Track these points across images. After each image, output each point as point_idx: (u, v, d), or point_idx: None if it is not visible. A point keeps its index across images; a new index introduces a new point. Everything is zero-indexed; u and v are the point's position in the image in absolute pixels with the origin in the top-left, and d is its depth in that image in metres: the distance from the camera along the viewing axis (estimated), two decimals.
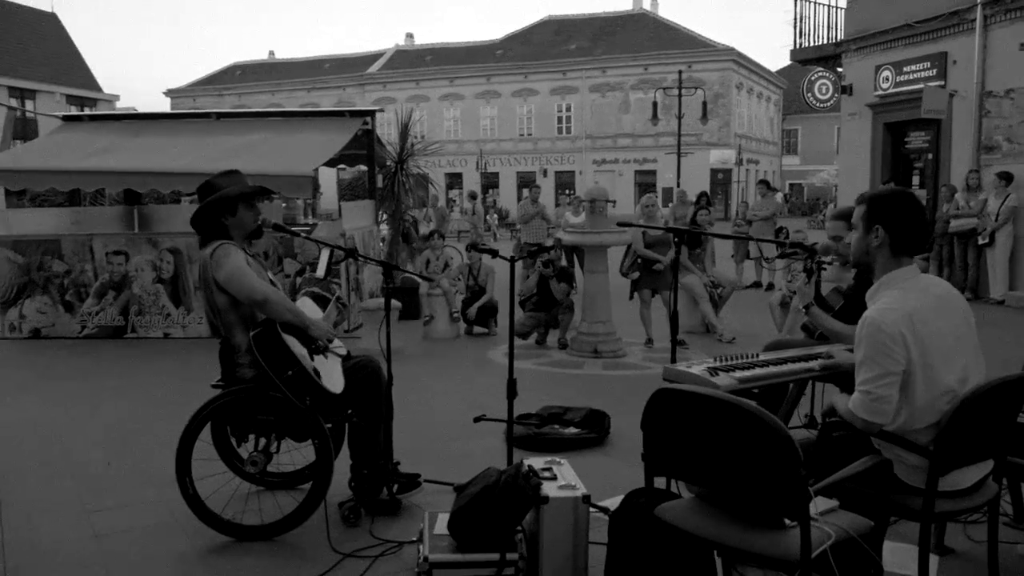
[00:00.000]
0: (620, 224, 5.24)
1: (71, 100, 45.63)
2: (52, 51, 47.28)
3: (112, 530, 3.81)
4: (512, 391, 3.96)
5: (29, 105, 41.89)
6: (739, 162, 43.25)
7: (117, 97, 51.40)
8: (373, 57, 54.57)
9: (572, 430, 5.32)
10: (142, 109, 40.43)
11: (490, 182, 47.97)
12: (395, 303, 9.12)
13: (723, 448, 2.26)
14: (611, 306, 8.48)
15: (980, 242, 11.68)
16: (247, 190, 3.78)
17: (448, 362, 8.19)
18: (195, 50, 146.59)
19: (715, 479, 2.34)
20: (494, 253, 4.35)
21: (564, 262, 10.54)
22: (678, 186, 21.46)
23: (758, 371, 2.96)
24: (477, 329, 9.93)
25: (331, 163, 12.73)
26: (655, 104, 22.61)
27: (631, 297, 9.21)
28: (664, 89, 26.90)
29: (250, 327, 3.57)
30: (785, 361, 3.15)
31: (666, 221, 11.77)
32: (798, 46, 15.91)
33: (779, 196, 23.65)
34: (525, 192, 18.25)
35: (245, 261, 3.63)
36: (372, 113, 11.09)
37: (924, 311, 2.65)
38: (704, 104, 23.94)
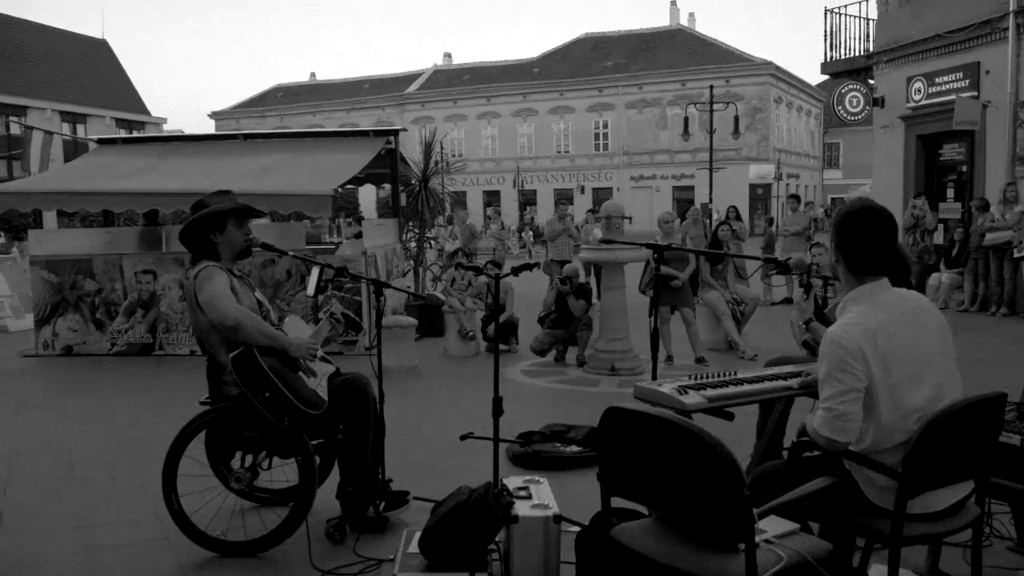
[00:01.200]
0: (603, 241, 5.19)
1: (120, 123, 46.90)
2: (103, 76, 48.73)
3: (103, 544, 3.87)
4: (497, 409, 3.93)
5: (80, 130, 43.27)
6: (778, 177, 42.74)
7: (164, 120, 52.75)
8: (412, 77, 55.23)
9: (573, 448, 5.27)
10: (188, 131, 41.53)
11: (528, 199, 48.08)
12: (410, 320, 9.20)
13: (670, 468, 2.22)
14: (629, 323, 8.41)
15: (1016, 255, 11.36)
16: (236, 207, 3.84)
17: (460, 380, 8.19)
18: (240, 73, 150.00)
19: (664, 500, 2.30)
20: (478, 271, 4.34)
21: (582, 278, 10.49)
22: (710, 202, 21.27)
23: (730, 389, 2.90)
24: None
25: (356, 182, 12.91)
26: (686, 120, 22.47)
27: (650, 314, 9.12)
28: (695, 104, 26.71)
29: (232, 347, 3.61)
30: (761, 379, 3.09)
31: (682, 239, 11.67)
32: (829, 59, 15.73)
33: (816, 210, 23.24)
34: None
35: (228, 284, 3.68)
36: (395, 132, 11.22)
37: (889, 326, 2.58)
38: (736, 119, 23.73)
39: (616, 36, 50.90)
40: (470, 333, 9.66)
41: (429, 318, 10.87)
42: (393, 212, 11.55)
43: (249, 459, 3.82)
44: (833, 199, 54.48)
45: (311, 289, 4.27)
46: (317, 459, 3.74)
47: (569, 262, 12.76)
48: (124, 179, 10.10)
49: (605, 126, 48.03)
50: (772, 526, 2.44)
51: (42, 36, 45.34)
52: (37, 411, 7.00)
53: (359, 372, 4.13)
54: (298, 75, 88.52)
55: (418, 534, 3.31)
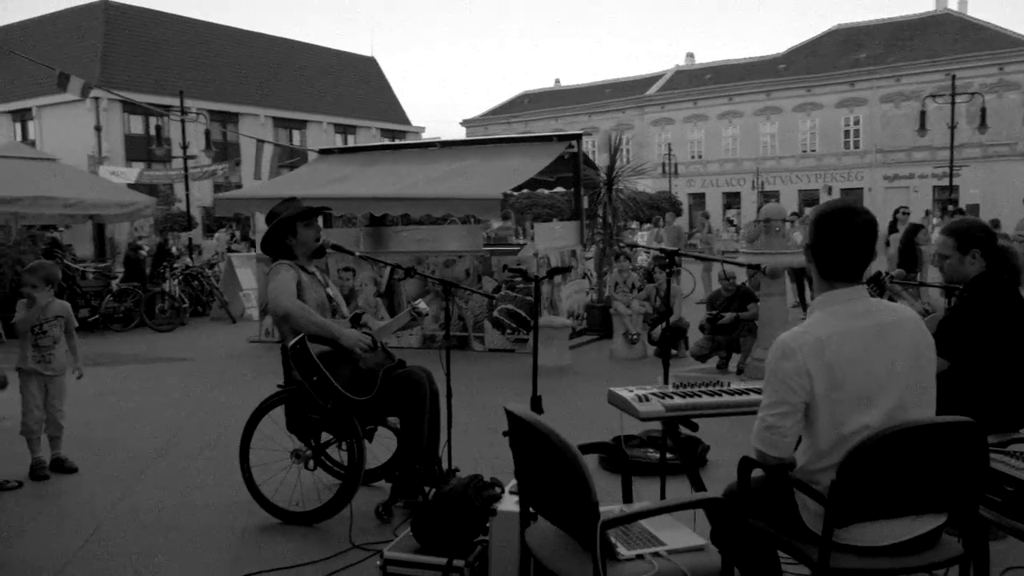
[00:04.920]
0: (629, 245, 5.03)
1: (384, 133, 51.33)
2: (371, 91, 53.58)
3: (195, 503, 4.53)
4: (537, 408, 4.04)
5: (351, 140, 48.02)
6: None
7: (423, 128, 57.03)
8: (653, 79, 54.98)
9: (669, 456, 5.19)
10: (444, 138, 44.52)
11: (772, 201, 46.04)
12: (562, 320, 9.37)
13: (539, 471, 2.26)
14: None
15: None
16: (302, 211, 4.29)
17: (606, 382, 8.21)
18: (492, 82, 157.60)
19: (541, 504, 2.33)
20: (523, 275, 4.45)
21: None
22: (953, 205, 19.10)
23: (690, 400, 2.82)
24: None
25: (548, 186, 13.31)
26: (923, 114, 20.39)
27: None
28: (933, 97, 24.09)
29: (293, 336, 4.04)
30: (744, 392, 2.95)
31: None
32: None
33: None
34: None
35: (295, 279, 4.12)
36: (578, 137, 11.45)
37: (844, 338, 2.38)
38: (983, 110, 21.17)
39: (871, 26, 47.17)
40: (633, 336, 9.65)
41: (607, 321, 10.97)
42: (575, 215, 11.77)
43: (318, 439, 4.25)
44: None
45: (383, 287, 4.61)
46: (367, 443, 4.08)
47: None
48: (330, 185, 11.23)
49: (856, 122, 44.69)
50: (676, 538, 2.39)
51: (320, 56, 50.70)
52: (229, 387, 8.06)
53: (422, 366, 4.41)
54: (544, 82, 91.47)
55: None
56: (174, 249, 15.92)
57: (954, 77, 23.61)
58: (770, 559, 2.63)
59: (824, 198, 44.62)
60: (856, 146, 44.93)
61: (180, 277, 14.22)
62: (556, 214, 27.01)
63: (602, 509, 2.17)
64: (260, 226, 10.91)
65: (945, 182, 41.64)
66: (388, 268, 4.71)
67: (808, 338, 2.39)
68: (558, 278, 10.59)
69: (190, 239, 17.02)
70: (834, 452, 2.35)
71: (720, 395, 2.90)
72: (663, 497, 3.63)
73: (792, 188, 46.51)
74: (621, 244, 4.73)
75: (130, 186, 18.83)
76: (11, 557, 3.87)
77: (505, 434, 4.57)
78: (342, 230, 12.54)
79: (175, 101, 18.63)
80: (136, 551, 3.89)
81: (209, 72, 41.88)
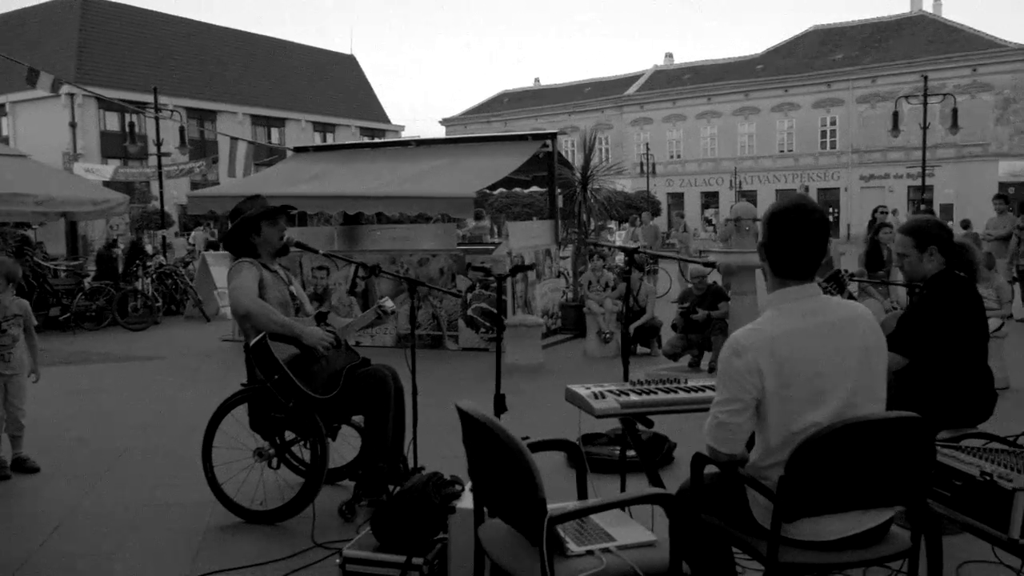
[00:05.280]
0: (594, 244, 5.07)
1: (364, 132, 51.13)
2: (350, 89, 53.37)
3: (162, 501, 4.49)
4: (499, 407, 4.05)
5: (329, 138, 47.81)
6: None
7: (403, 127, 56.94)
8: (632, 78, 55.18)
9: (631, 453, 5.22)
10: (423, 136, 44.54)
11: (748, 201, 46.35)
12: (535, 319, 9.37)
13: (491, 469, 2.26)
14: None
15: None
16: (266, 209, 4.26)
17: (576, 380, 8.24)
18: (471, 81, 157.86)
19: (492, 501, 2.33)
20: (486, 272, 4.46)
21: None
22: (927, 204, 19.34)
23: (646, 397, 2.84)
24: (641, 349, 9.91)
25: (523, 184, 13.31)
26: (895, 115, 20.59)
27: None
28: (906, 98, 24.34)
29: (255, 335, 4.02)
30: (700, 389, 2.97)
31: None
32: None
33: None
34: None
35: (256, 278, 4.10)
36: (553, 136, 11.46)
37: (796, 336, 2.40)
38: (954, 111, 21.40)
39: (848, 27, 47.64)
40: (607, 335, 9.68)
41: (581, 320, 11.00)
42: (549, 214, 11.79)
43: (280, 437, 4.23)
44: None
45: (347, 286, 4.61)
46: (331, 441, 4.07)
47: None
48: (304, 183, 11.17)
49: (833, 123, 45.13)
50: (627, 534, 2.40)
51: (298, 54, 50.42)
52: (200, 386, 8.00)
53: (386, 364, 4.39)
54: (524, 81, 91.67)
55: None
56: (148, 247, 15.79)
57: (926, 78, 23.84)
58: (723, 555, 2.65)
59: None
60: (833, 146, 45.37)
61: (153, 275, 14.09)
62: (536, 213, 27.04)
63: (554, 506, 2.18)
64: None
65: (919, 183, 42.21)
66: (353, 267, 4.67)
67: (759, 336, 2.41)
68: (532, 276, 10.61)
69: (163, 237, 16.86)
70: (784, 448, 2.37)
71: (676, 392, 2.92)
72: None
73: (770, 188, 46.85)
74: (586, 243, 4.77)
75: (105, 183, 18.63)
76: None
77: None
78: (316, 228, 12.48)
79: (149, 98, 18.48)
80: (95, 551, 3.86)
81: (187, 69, 41.55)
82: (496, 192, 13.03)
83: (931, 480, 2.76)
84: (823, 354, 2.41)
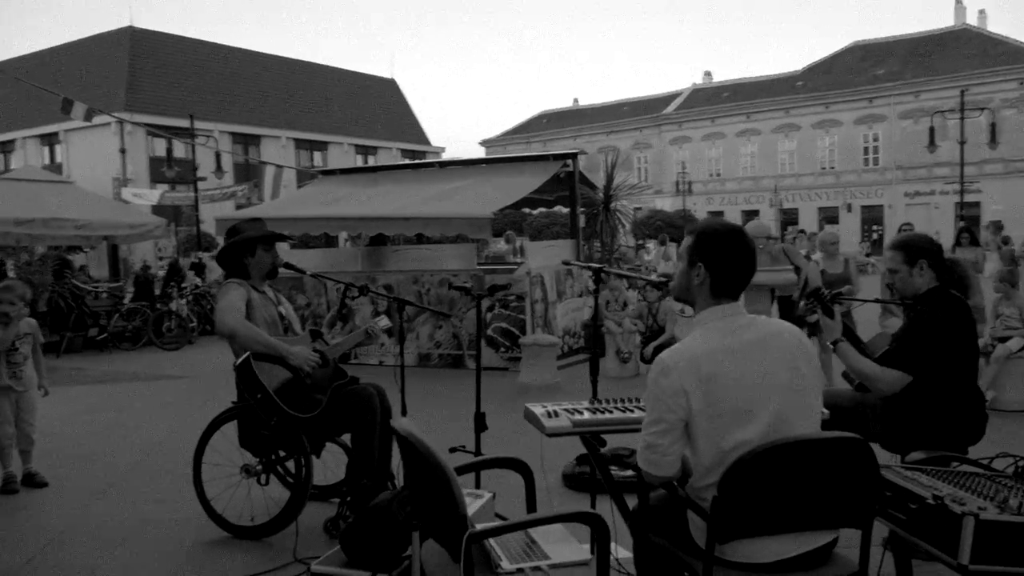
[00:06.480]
0: (564, 263, 5.10)
1: (405, 154, 51.76)
2: (391, 112, 54.14)
3: (151, 518, 4.61)
4: (480, 425, 4.08)
5: (371, 160, 48.49)
6: None
7: (443, 149, 57.50)
8: (671, 97, 55.08)
9: (628, 473, 5.20)
10: (463, 157, 45.04)
11: (788, 219, 45.78)
12: (549, 338, 9.39)
13: (421, 487, 2.30)
14: None
15: None
16: (265, 235, 4.38)
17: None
18: (512, 102, 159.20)
19: (425, 519, 2.36)
20: (465, 291, 4.52)
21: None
22: (966, 222, 18.91)
23: (598, 416, 2.85)
24: None
25: (547, 204, 13.38)
26: (931, 130, 20.22)
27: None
28: (943, 113, 23.92)
29: (241, 355, 4.12)
30: (644, 408, 2.97)
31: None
32: None
33: None
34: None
35: (244, 298, 4.20)
36: (574, 156, 11.52)
37: (722, 354, 2.40)
38: (992, 125, 20.97)
39: (890, 42, 47.00)
40: (625, 355, 9.65)
41: (599, 339, 10.99)
42: (571, 234, 11.82)
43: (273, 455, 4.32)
44: None
45: (334, 309, 4.70)
46: (315, 458, 4.14)
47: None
48: (330, 205, 11.37)
49: (875, 139, 44.45)
50: (562, 553, 2.42)
51: (340, 79, 51.35)
52: (220, 404, 8.13)
53: (373, 383, 4.46)
54: (563, 101, 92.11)
55: None
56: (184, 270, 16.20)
57: (963, 92, 23.48)
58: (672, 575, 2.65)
59: (844, 216, 44.37)
60: (876, 163, 44.66)
61: (189, 296, 14.44)
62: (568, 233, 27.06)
63: (484, 525, 2.21)
64: None
65: (967, 199, 41.26)
66: (342, 287, 4.77)
67: (684, 355, 2.42)
68: (552, 295, 10.65)
69: (199, 258, 17.27)
70: (717, 468, 2.36)
71: (633, 411, 2.93)
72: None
73: (811, 206, 46.28)
74: (568, 264, 4.78)
75: (154, 208, 19.20)
76: None
77: (453, 449, 4.64)
78: (342, 249, 12.67)
79: (197, 124, 19.00)
80: (81, 565, 3.96)
81: (231, 95, 42.60)
82: (536, 212, 13.04)
83: (884, 502, 2.74)
84: (749, 370, 2.40)
